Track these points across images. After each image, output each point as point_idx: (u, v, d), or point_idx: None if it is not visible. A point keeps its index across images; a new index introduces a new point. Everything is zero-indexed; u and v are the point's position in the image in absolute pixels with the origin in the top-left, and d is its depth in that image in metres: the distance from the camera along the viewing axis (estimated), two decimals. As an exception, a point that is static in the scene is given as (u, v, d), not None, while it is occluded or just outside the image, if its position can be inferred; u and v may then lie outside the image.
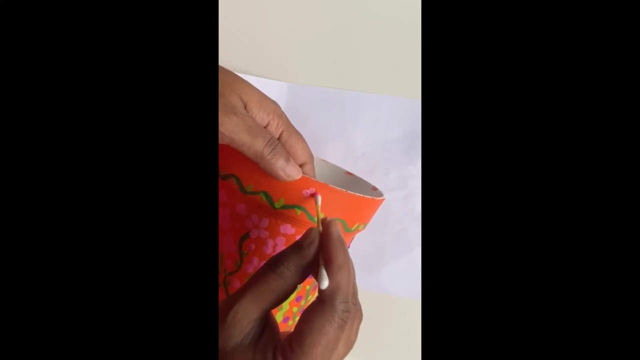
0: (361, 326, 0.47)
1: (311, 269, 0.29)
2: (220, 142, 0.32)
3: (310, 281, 0.35)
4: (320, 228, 0.30)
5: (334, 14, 0.47)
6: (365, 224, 0.38)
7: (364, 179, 0.43)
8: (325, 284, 0.27)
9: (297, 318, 0.37)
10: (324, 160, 0.45)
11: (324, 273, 0.27)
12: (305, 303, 0.37)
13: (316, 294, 0.34)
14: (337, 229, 0.29)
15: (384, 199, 0.37)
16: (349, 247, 0.40)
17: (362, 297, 0.48)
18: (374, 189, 0.41)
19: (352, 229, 0.36)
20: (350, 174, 0.44)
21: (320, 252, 0.29)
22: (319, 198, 0.32)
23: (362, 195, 0.34)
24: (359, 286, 0.47)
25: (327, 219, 0.30)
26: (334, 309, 0.26)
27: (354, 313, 0.28)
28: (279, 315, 0.36)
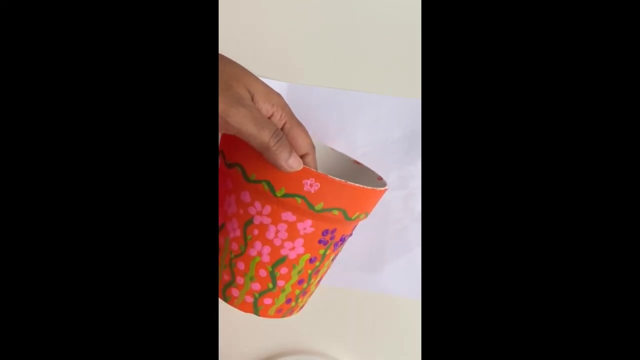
0: (362, 326, 0.47)
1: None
2: (227, 132, 0.33)
3: (311, 266, 0.37)
4: None
5: (334, 14, 0.47)
6: (367, 213, 0.39)
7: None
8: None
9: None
10: (332, 149, 0.45)
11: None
12: (306, 286, 0.39)
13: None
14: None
15: (385, 189, 0.38)
16: (351, 234, 0.40)
17: (362, 297, 0.48)
18: (380, 178, 0.42)
19: (353, 217, 0.37)
20: (358, 162, 0.44)
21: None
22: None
23: (361, 185, 0.35)
24: (359, 286, 0.47)
25: None
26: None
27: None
28: (281, 296, 0.38)
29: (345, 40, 0.47)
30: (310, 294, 0.41)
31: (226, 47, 0.46)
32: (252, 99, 0.34)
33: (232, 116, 0.32)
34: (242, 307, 0.38)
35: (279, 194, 0.34)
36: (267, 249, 0.36)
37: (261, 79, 0.47)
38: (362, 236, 0.44)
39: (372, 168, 0.45)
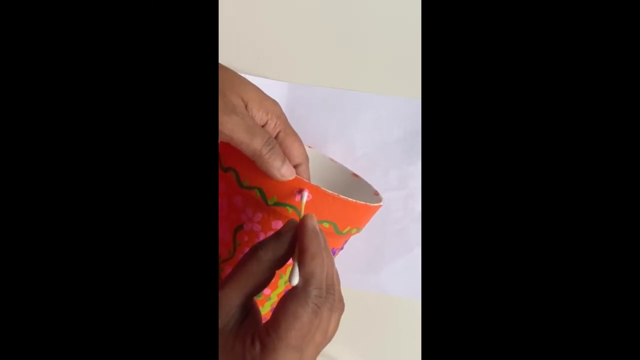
0: (362, 326, 0.47)
1: (288, 256, 0.30)
2: (220, 139, 0.33)
3: None
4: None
5: (334, 14, 0.47)
6: (358, 228, 0.38)
7: (367, 180, 0.43)
8: (295, 280, 0.28)
9: None
10: (332, 160, 0.45)
11: (296, 269, 0.29)
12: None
13: None
14: (312, 221, 0.30)
15: (380, 205, 0.38)
16: (342, 248, 0.40)
17: (362, 297, 0.48)
18: (376, 193, 0.42)
19: (344, 231, 0.37)
20: (356, 176, 0.44)
21: (297, 246, 0.30)
22: (305, 193, 0.33)
23: (354, 200, 0.35)
24: (359, 286, 0.47)
25: (307, 214, 0.31)
26: (307, 294, 0.28)
27: (331, 303, 0.29)
28: (266, 305, 0.37)
29: (345, 40, 0.47)
30: None
31: (227, 47, 0.46)
32: (246, 107, 0.34)
33: (224, 124, 0.32)
34: None
35: (270, 202, 0.34)
36: None
37: (261, 79, 0.47)
38: (362, 236, 0.44)
39: (372, 168, 0.45)
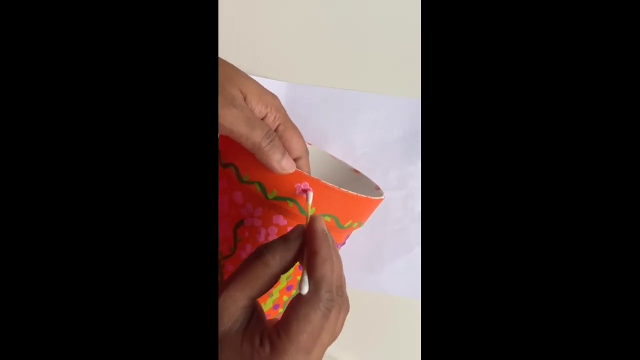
0: (362, 326, 0.47)
1: (295, 261, 0.30)
2: (220, 133, 0.33)
3: (301, 272, 0.36)
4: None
5: (334, 14, 0.47)
6: (360, 222, 0.38)
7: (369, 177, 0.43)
8: (305, 290, 0.28)
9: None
10: (332, 156, 0.45)
11: (306, 278, 0.28)
12: (296, 293, 0.38)
13: None
14: (322, 224, 0.30)
15: (381, 199, 0.37)
16: (344, 243, 0.40)
17: (362, 297, 0.48)
18: (377, 188, 0.41)
19: (345, 226, 0.36)
20: (356, 171, 0.44)
21: (305, 249, 0.30)
22: (311, 195, 0.33)
23: (355, 193, 0.34)
24: (358, 286, 0.47)
25: (314, 216, 0.31)
26: (319, 299, 0.28)
27: (340, 304, 0.29)
28: (269, 302, 0.37)
29: (345, 40, 0.47)
30: None
31: (226, 47, 0.46)
32: (245, 99, 0.34)
33: (223, 117, 0.32)
34: None
35: (270, 196, 0.34)
36: None
37: (261, 79, 0.47)
38: (362, 236, 0.44)
39: (372, 168, 0.45)
